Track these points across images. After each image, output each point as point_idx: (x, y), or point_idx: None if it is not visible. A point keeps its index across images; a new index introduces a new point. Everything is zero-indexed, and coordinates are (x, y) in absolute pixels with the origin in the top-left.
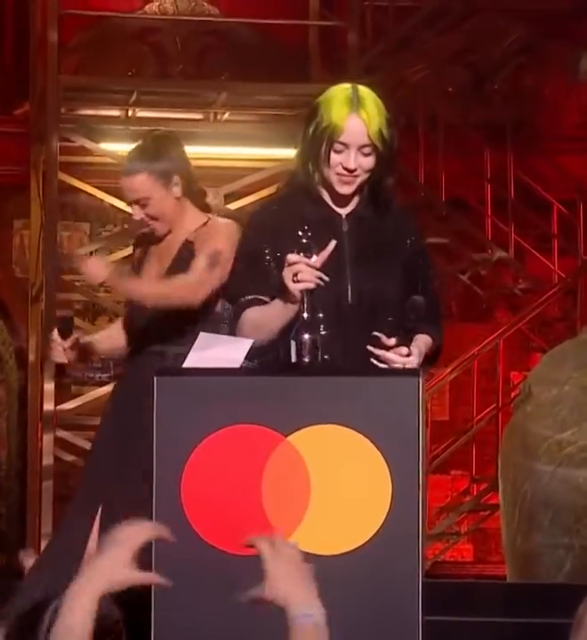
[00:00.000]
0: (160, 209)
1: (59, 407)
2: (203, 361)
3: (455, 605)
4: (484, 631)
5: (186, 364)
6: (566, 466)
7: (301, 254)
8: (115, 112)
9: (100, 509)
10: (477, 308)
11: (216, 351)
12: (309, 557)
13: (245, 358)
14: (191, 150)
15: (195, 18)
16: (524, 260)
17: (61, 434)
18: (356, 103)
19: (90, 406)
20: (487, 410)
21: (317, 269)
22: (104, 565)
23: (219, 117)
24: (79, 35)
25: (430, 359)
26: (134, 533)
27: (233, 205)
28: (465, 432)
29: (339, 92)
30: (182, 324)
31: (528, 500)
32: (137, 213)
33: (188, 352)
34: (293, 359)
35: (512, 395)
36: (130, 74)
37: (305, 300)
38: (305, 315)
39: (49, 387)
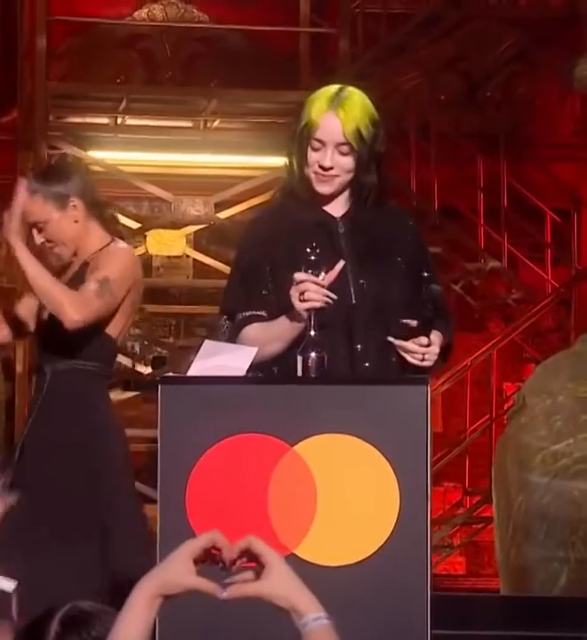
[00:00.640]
0: (56, 232)
1: None
2: (207, 369)
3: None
4: None
5: (190, 373)
6: (561, 478)
7: (309, 271)
8: (103, 120)
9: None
10: (469, 319)
11: (220, 359)
12: (315, 568)
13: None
14: (181, 158)
15: (184, 24)
16: (517, 269)
17: None
18: (336, 101)
19: None
20: (481, 421)
21: (324, 286)
22: (162, 570)
23: (209, 125)
24: (67, 41)
25: (442, 356)
26: (193, 540)
27: (223, 214)
28: (458, 444)
29: (324, 91)
30: (69, 344)
31: (523, 513)
32: (36, 237)
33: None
34: (300, 375)
35: (505, 406)
36: (118, 81)
37: (312, 317)
38: (312, 332)
39: None
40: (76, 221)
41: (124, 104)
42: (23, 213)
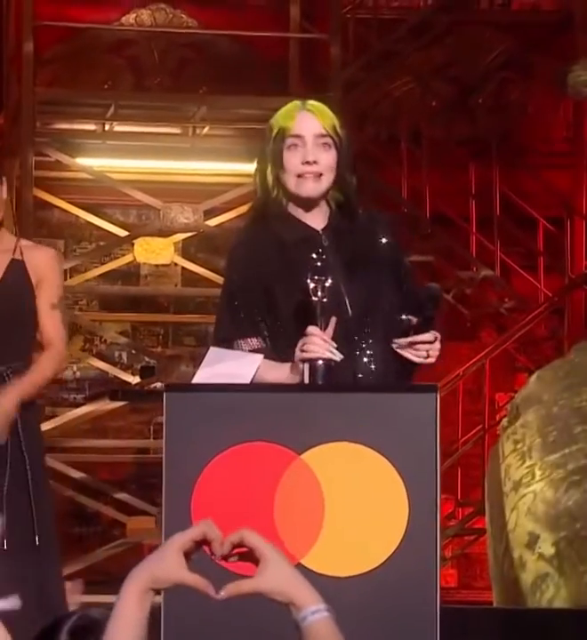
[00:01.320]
0: None
1: None
2: (212, 377)
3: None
4: None
5: (195, 380)
6: (556, 490)
7: (316, 278)
8: (91, 126)
9: None
10: (461, 328)
11: (226, 367)
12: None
13: None
14: (170, 165)
15: (173, 30)
16: (510, 278)
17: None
18: (303, 105)
19: (64, 428)
20: (473, 431)
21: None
22: (152, 563)
23: (198, 131)
24: (55, 47)
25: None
26: (184, 532)
27: (213, 222)
28: (450, 454)
29: (287, 104)
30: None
31: (516, 525)
32: None
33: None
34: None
35: (498, 416)
36: (106, 87)
37: (319, 322)
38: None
39: None
40: None
41: (112, 110)
42: None
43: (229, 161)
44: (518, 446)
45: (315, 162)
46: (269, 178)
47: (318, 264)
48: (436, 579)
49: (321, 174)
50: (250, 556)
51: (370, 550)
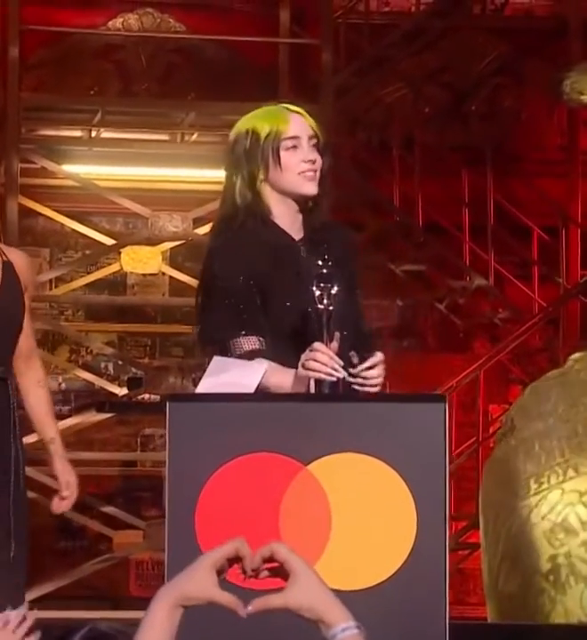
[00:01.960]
0: None
1: None
2: (216, 386)
3: None
4: None
5: (199, 390)
6: (553, 503)
7: (321, 285)
8: (77, 132)
9: None
10: (454, 338)
11: (230, 376)
12: None
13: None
14: (158, 173)
15: (160, 34)
16: (503, 288)
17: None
18: (288, 107)
19: None
20: (466, 444)
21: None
22: (183, 580)
23: (186, 138)
24: (40, 51)
25: None
26: (216, 550)
27: (202, 230)
28: None
29: (265, 108)
30: None
31: (512, 539)
32: None
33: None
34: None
35: (491, 429)
36: (93, 92)
37: (324, 332)
38: (334, 344)
39: None
40: None
41: (98, 116)
42: None
43: (217, 168)
44: (514, 459)
45: (314, 160)
46: (251, 185)
47: (324, 271)
48: (445, 593)
49: (316, 173)
50: (280, 571)
51: (377, 564)
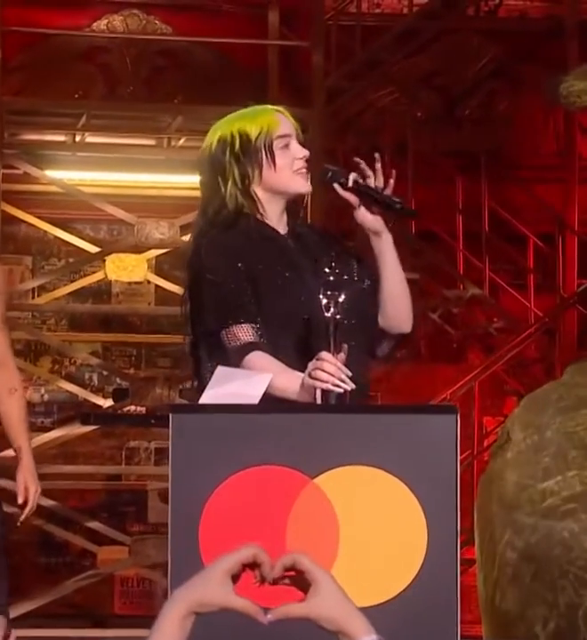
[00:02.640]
0: None
1: None
2: (220, 397)
3: None
4: None
5: (202, 401)
6: (550, 517)
7: (328, 293)
8: (61, 137)
9: None
10: (448, 349)
11: (234, 386)
12: None
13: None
14: (144, 178)
15: (146, 36)
16: (498, 297)
17: (3, 483)
18: (271, 107)
19: (33, 453)
20: (461, 457)
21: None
22: (197, 586)
23: (173, 143)
24: (22, 53)
25: None
26: (232, 554)
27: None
28: None
29: (249, 109)
30: None
31: (508, 554)
32: None
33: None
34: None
35: (486, 441)
36: (77, 96)
37: (331, 341)
38: (342, 355)
39: None
40: None
41: (83, 121)
42: None
43: None
44: (510, 473)
45: (305, 158)
46: (249, 184)
47: (331, 279)
48: (456, 610)
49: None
50: (301, 581)
51: (387, 579)
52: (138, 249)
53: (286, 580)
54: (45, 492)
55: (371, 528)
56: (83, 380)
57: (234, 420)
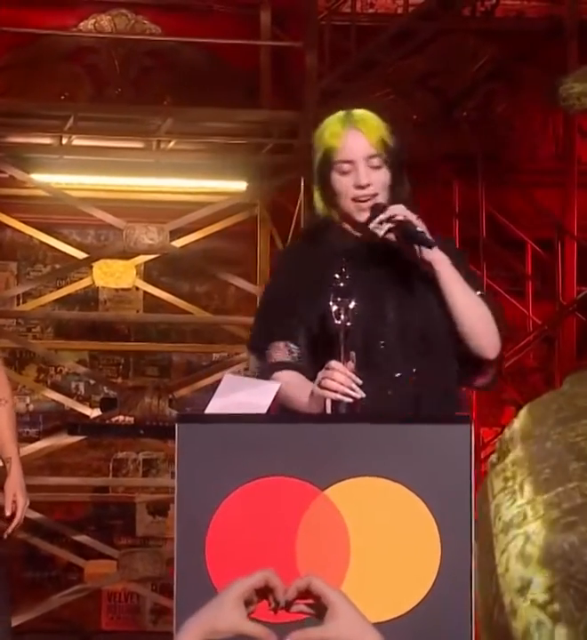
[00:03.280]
0: None
1: None
2: (226, 406)
3: None
4: None
5: (208, 410)
6: (550, 531)
7: (338, 300)
8: (47, 140)
9: None
10: None
11: (241, 396)
12: None
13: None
14: (132, 182)
15: (135, 36)
16: None
17: None
18: (349, 120)
19: None
20: None
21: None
22: (210, 613)
23: (162, 146)
24: (7, 54)
25: None
26: (244, 580)
27: (179, 243)
28: None
29: (331, 118)
30: None
31: (507, 569)
32: None
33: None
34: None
35: (483, 453)
36: (63, 98)
37: (341, 349)
38: (351, 364)
39: None
40: None
41: (70, 123)
42: None
43: (195, 178)
44: (509, 484)
45: (368, 184)
46: (324, 198)
47: (341, 285)
48: (471, 626)
49: (376, 195)
50: (316, 605)
51: (400, 594)
52: (126, 255)
53: (302, 606)
54: (31, 505)
55: (382, 541)
56: (69, 390)
57: (242, 429)
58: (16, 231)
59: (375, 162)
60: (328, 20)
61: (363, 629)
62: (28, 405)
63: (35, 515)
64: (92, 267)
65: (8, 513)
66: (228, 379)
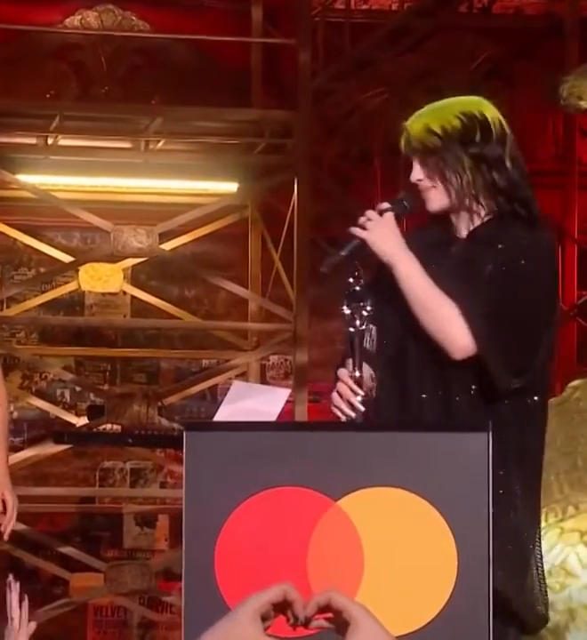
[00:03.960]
0: None
1: None
2: (236, 413)
3: None
4: None
5: (217, 417)
6: (551, 545)
7: (352, 305)
8: (32, 140)
9: None
10: None
11: (250, 403)
12: None
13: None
14: (120, 183)
15: (122, 33)
16: None
17: None
18: (410, 118)
19: None
20: None
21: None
22: (225, 629)
23: (151, 146)
24: None
25: None
26: (261, 594)
27: (168, 246)
28: None
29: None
30: None
31: None
32: None
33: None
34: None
35: None
36: (48, 96)
37: (356, 356)
38: (356, 373)
39: None
40: None
41: (55, 122)
42: None
43: (185, 179)
44: None
45: (420, 179)
46: None
47: (356, 289)
48: (489, 638)
49: (431, 188)
50: (336, 620)
51: (415, 608)
52: (114, 258)
53: (322, 621)
54: None
55: (397, 553)
56: (54, 397)
57: (252, 438)
58: (0, 234)
59: (421, 156)
60: (322, 16)
61: None
62: (12, 413)
63: (19, 526)
64: (78, 270)
65: None
66: (236, 386)
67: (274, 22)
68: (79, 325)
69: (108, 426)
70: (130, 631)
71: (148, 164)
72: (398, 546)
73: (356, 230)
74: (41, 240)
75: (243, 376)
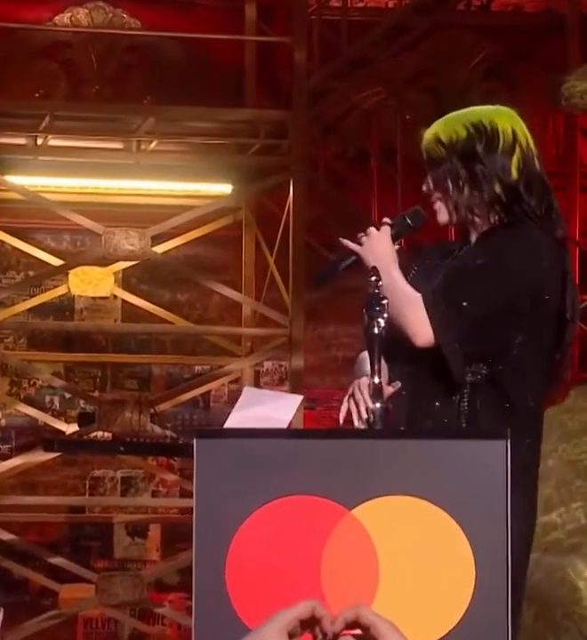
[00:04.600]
0: None
1: None
2: (247, 420)
3: None
4: None
5: (228, 424)
6: (553, 553)
7: (373, 310)
8: (21, 140)
9: None
10: None
11: (262, 409)
12: None
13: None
14: (112, 185)
15: (113, 31)
16: None
17: None
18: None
19: None
20: None
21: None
22: None
23: (143, 147)
24: None
25: None
26: (289, 610)
27: (160, 248)
28: None
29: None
30: None
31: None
32: None
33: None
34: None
35: None
36: (38, 95)
37: (375, 363)
38: (376, 380)
39: None
40: None
41: (45, 122)
42: None
43: (178, 180)
44: None
45: (427, 191)
46: None
47: (376, 291)
48: None
49: (438, 199)
50: (364, 636)
51: (431, 620)
52: (105, 261)
53: (350, 638)
54: (3, 525)
55: (413, 563)
56: (43, 403)
57: (264, 445)
58: None
59: (431, 166)
60: (318, 14)
61: None
62: None
63: (7, 536)
64: (68, 274)
65: None
66: (248, 391)
67: (268, 20)
68: (69, 330)
69: (99, 433)
70: None
71: (139, 165)
72: (414, 555)
73: (349, 244)
74: (30, 243)
75: (236, 382)
